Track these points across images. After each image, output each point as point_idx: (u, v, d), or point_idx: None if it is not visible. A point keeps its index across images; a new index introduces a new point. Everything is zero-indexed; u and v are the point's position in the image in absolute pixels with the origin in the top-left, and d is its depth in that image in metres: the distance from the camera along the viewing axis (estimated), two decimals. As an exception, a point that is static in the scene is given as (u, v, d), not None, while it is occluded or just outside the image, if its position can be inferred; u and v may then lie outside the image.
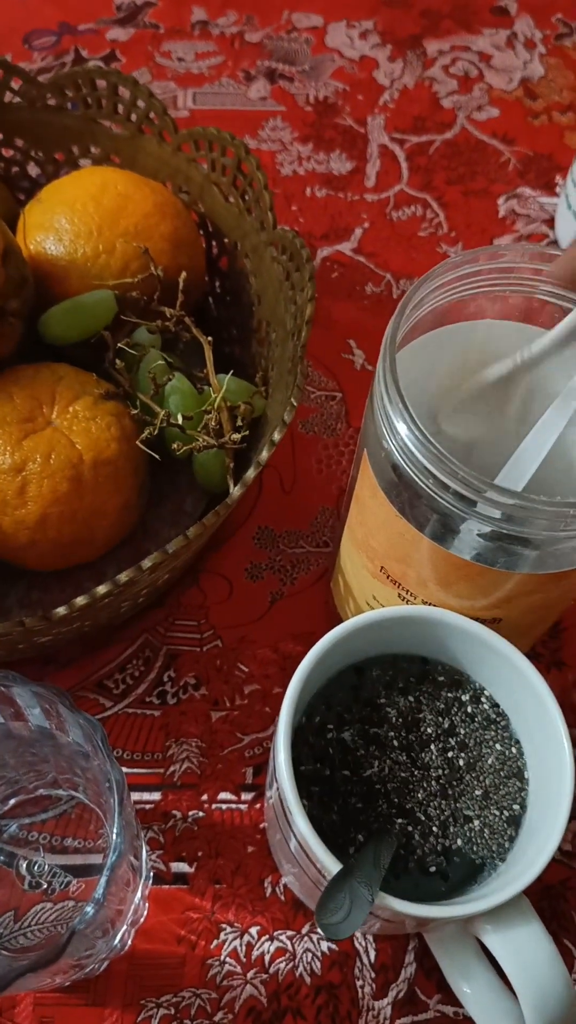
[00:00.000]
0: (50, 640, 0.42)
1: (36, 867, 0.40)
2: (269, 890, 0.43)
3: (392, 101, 0.72)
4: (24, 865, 0.40)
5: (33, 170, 0.57)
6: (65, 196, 0.48)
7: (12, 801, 0.40)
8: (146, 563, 0.37)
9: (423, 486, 0.31)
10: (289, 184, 0.66)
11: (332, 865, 0.32)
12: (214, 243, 0.53)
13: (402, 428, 0.31)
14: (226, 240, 0.52)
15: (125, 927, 0.39)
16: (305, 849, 0.33)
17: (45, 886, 0.40)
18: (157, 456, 0.43)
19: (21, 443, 0.41)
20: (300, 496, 0.54)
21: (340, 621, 0.47)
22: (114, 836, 0.28)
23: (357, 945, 0.42)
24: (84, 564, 0.47)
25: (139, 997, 0.41)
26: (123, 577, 0.37)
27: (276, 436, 0.40)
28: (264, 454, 0.40)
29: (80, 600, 0.36)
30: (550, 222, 0.65)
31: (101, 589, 0.37)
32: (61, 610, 0.36)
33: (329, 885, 0.31)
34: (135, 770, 0.46)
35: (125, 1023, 0.40)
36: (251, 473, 0.40)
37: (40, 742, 0.34)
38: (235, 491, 0.40)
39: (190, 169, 0.52)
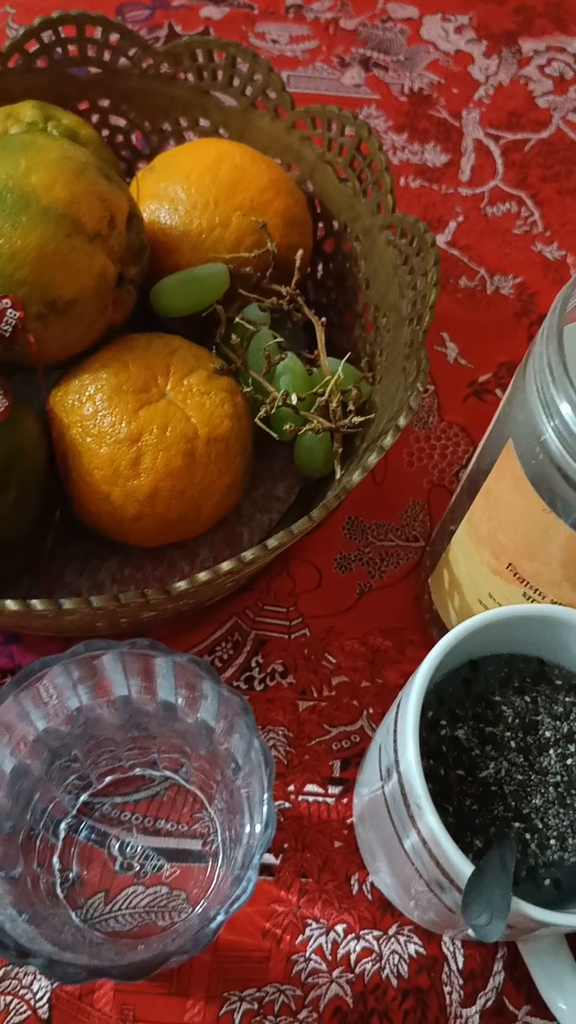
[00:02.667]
0: (152, 617, 0.41)
1: (128, 848, 0.39)
2: (356, 888, 0.42)
3: (487, 97, 0.71)
4: (116, 846, 0.39)
5: (137, 140, 0.56)
6: (181, 166, 0.47)
7: (108, 779, 0.38)
8: (272, 542, 0.36)
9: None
10: (382, 173, 0.65)
11: (463, 865, 0.31)
12: (320, 224, 0.52)
13: (567, 409, 0.30)
14: (335, 222, 0.51)
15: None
16: (430, 847, 0.32)
17: (137, 868, 0.39)
18: (275, 435, 0.42)
19: (137, 413, 0.40)
20: (390, 489, 0.53)
21: (436, 617, 0.46)
22: (257, 827, 0.26)
23: (445, 951, 0.41)
24: (177, 543, 0.46)
25: (222, 990, 0.40)
26: (248, 555, 0.36)
27: (402, 421, 0.39)
28: (388, 439, 0.39)
29: (203, 576, 0.35)
30: None
31: (225, 566, 0.35)
32: (182, 584, 0.35)
33: (469, 886, 0.29)
34: (221, 756, 0.44)
35: (207, 1016, 0.39)
36: (373, 459, 0.39)
37: (159, 718, 0.32)
38: (356, 476, 0.39)
39: (303, 147, 0.51)
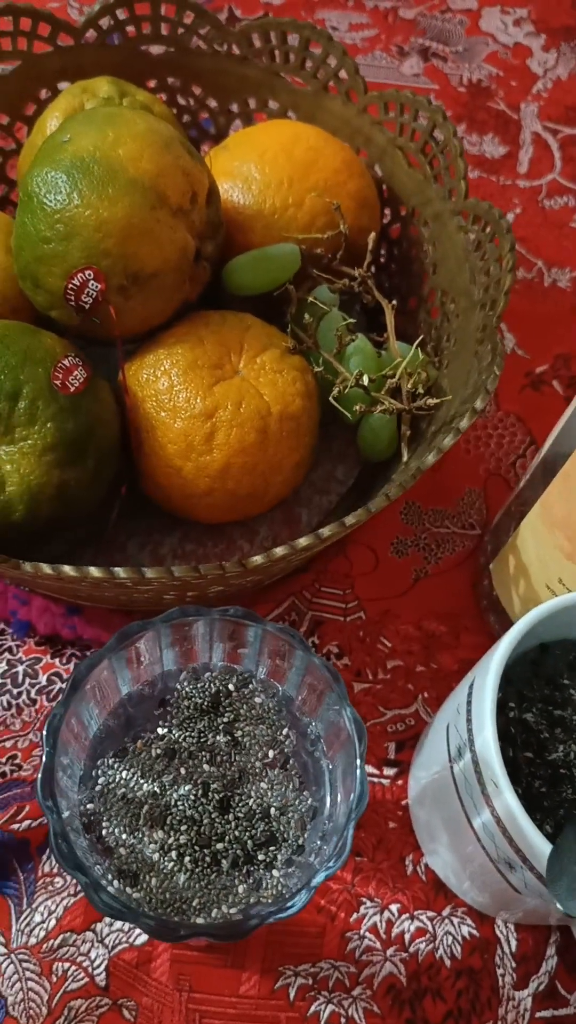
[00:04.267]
0: (218, 592, 0.41)
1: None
2: (410, 868, 0.42)
3: (545, 90, 0.70)
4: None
5: (201, 120, 0.56)
6: (255, 145, 0.47)
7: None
8: (349, 519, 0.36)
9: None
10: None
11: (540, 843, 0.31)
12: (387, 209, 0.52)
13: None
14: (403, 207, 0.51)
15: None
16: (505, 825, 0.32)
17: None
18: (348, 415, 0.42)
19: (212, 389, 0.40)
20: (447, 475, 0.53)
21: (495, 604, 0.46)
22: (351, 796, 0.27)
23: (499, 933, 0.41)
24: (236, 522, 0.46)
25: (277, 964, 0.40)
26: (325, 531, 0.36)
27: (478, 404, 0.39)
28: (464, 422, 0.39)
29: (279, 551, 0.36)
30: None
31: (303, 541, 0.36)
32: (258, 558, 0.36)
33: (551, 862, 0.30)
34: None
35: (263, 988, 0.40)
36: (449, 440, 0.39)
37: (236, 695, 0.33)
38: (431, 457, 0.39)
39: (373, 131, 0.51)
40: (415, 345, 0.44)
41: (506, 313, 0.59)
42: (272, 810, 0.29)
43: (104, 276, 0.38)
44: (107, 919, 0.41)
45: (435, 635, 0.48)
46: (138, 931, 0.40)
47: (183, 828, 0.29)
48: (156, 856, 0.29)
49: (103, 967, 0.40)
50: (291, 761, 0.30)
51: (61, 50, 0.51)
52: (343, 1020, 0.39)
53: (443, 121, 0.47)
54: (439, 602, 0.49)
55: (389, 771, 0.45)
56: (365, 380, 0.42)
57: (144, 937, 0.40)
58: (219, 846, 0.29)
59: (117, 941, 0.40)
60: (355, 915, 0.41)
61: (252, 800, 0.29)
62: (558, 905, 0.28)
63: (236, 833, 0.29)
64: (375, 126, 0.51)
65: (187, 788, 0.30)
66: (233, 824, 0.29)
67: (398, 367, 0.43)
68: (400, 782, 0.44)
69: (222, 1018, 0.39)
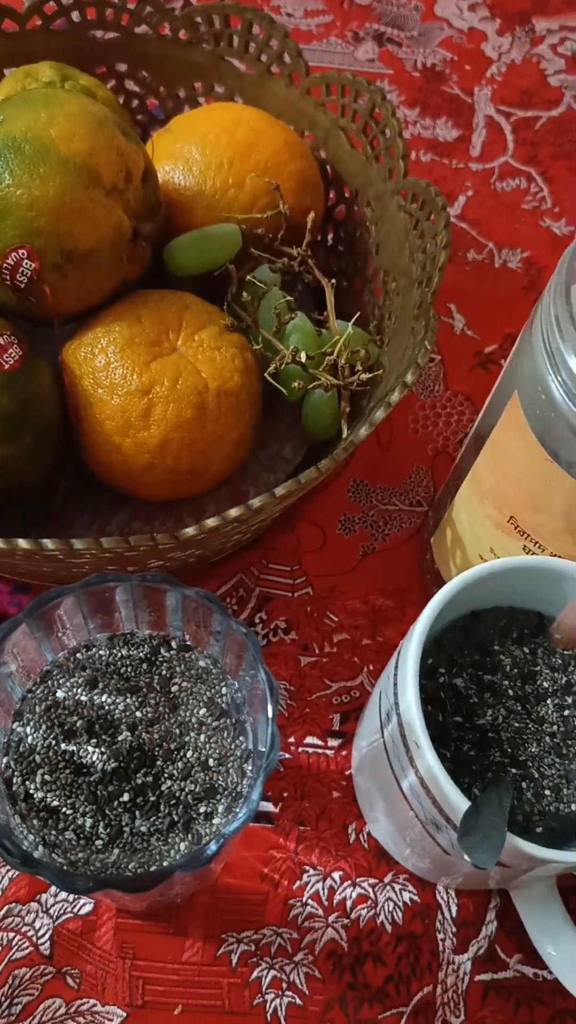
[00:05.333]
0: (159, 567, 0.41)
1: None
2: (353, 837, 0.43)
3: (499, 74, 0.71)
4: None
5: (152, 107, 0.56)
6: (197, 127, 0.48)
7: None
8: (279, 490, 0.37)
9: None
10: (394, 147, 0.66)
11: (459, 801, 0.31)
12: (332, 191, 0.53)
13: (573, 361, 0.30)
14: (346, 188, 0.51)
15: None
16: (428, 785, 0.33)
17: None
18: (284, 391, 0.42)
19: (149, 365, 0.41)
20: (395, 454, 0.54)
21: (438, 577, 0.47)
22: (261, 748, 0.27)
23: (439, 899, 0.42)
24: (185, 499, 0.46)
25: (220, 931, 0.41)
26: (255, 502, 0.36)
27: (409, 378, 0.40)
28: (395, 395, 0.40)
29: (211, 522, 0.36)
30: None
31: (233, 512, 0.36)
32: (190, 530, 0.36)
33: (466, 817, 0.30)
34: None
35: (205, 955, 0.40)
36: (380, 414, 0.40)
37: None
38: (363, 431, 0.39)
39: (317, 113, 0.51)
40: (351, 323, 0.44)
41: (456, 294, 0.60)
42: (211, 760, 0.30)
43: (38, 255, 0.39)
44: (52, 890, 0.41)
45: (381, 609, 0.49)
46: (83, 901, 0.41)
47: (112, 789, 0.30)
48: (88, 823, 0.29)
49: (48, 936, 0.40)
50: (226, 718, 0.31)
51: (8, 36, 0.51)
52: (284, 985, 0.40)
53: (381, 101, 0.48)
54: (386, 578, 0.50)
55: (333, 742, 0.45)
56: (302, 357, 0.43)
57: (88, 907, 0.41)
58: (160, 808, 0.29)
59: (61, 911, 0.41)
60: (298, 883, 0.42)
61: (191, 752, 0.30)
62: (465, 857, 0.28)
63: (174, 790, 0.29)
64: (318, 108, 0.51)
65: (121, 741, 0.30)
66: (169, 782, 0.30)
67: (336, 344, 0.44)
68: (344, 753, 0.45)
69: (165, 984, 0.40)
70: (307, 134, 0.52)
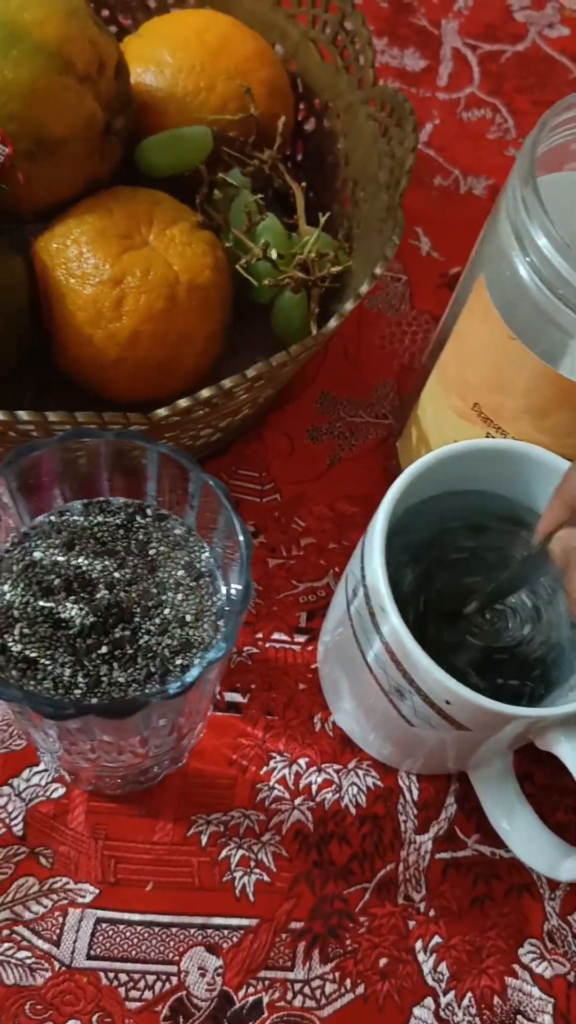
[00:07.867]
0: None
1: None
2: (318, 726, 0.44)
3: (466, 8, 0.72)
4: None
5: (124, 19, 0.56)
6: (167, 31, 0.48)
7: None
8: (250, 372, 0.37)
9: (552, 298, 0.32)
10: (362, 75, 0.66)
11: (426, 663, 0.33)
12: (302, 105, 0.53)
13: (541, 239, 0.32)
14: (316, 100, 0.52)
15: (187, 741, 0.39)
16: (393, 648, 0.34)
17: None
18: (255, 282, 0.43)
19: (120, 257, 0.41)
20: (363, 367, 0.55)
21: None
22: (235, 588, 0.28)
23: (401, 783, 0.44)
24: (155, 403, 0.47)
25: (190, 813, 0.42)
26: (227, 383, 0.37)
27: (377, 270, 0.40)
28: (364, 287, 0.40)
29: (183, 402, 0.37)
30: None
31: (204, 393, 0.37)
32: (162, 411, 0.37)
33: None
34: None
35: (176, 835, 0.41)
36: (349, 306, 0.40)
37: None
38: (333, 322, 0.40)
39: (287, 25, 0.52)
40: (321, 223, 0.45)
41: (422, 218, 0.61)
42: (187, 616, 0.31)
43: (11, 140, 0.39)
44: (24, 774, 0.42)
45: (347, 515, 0.50)
46: (55, 785, 0.42)
47: (90, 641, 0.30)
48: (67, 673, 0.30)
49: (20, 818, 0.41)
50: (203, 579, 0.32)
51: None
52: (252, 863, 0.41)
53: (352, 10, 0.48)
54: (352, 485, 0.51)
55: (300, 638, 0.46)
56: (273, 254, 0.43)
57: (61, 791, 0.42)
58: (138, 660, 0.30)
59: (34, 795, 0.41)
60: (265, 768, 0.43)
61: (168, 610, 0.31)
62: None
63: (151, 644, 0.30)
64: (289, 20, 0.52)
65: (99, 599, 0.31)
66: (147, 637, 0.30)
67: (306, 245, 0.44)
68: (311, 648, 0.46)
69: (136, 863, 0.41)
70: (277, 47, 0.52)
